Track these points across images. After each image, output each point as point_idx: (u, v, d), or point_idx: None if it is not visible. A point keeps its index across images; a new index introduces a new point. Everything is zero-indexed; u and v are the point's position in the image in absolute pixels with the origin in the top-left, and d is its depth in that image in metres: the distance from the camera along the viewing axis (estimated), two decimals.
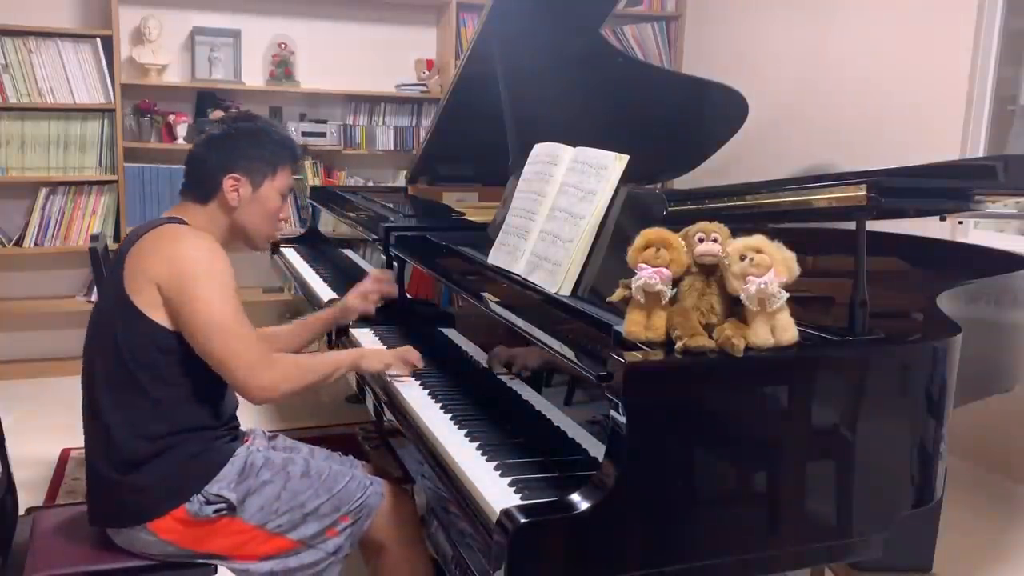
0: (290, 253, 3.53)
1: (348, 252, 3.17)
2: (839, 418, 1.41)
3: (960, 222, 3.24)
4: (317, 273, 3.11)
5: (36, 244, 4.05)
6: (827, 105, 3.79)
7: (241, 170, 1.79)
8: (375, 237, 2.51)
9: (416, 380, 1.91)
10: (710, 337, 1.31)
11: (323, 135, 4.39)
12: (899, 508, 1.47)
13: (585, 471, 1.32)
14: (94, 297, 3.89)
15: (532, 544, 1.20)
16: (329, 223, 3.53)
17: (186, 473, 1.67)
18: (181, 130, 4.19)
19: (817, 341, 1.42)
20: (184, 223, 1.75)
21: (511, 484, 1.39)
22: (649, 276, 1.32)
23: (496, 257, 1.93)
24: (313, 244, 3.65)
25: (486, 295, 1.82)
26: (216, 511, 1.66)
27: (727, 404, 1.34)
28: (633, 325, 1.34)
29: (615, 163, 1.70)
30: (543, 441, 1.55)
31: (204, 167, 1.80)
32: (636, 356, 1.29)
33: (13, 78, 3.91)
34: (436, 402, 1.79)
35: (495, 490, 1.37)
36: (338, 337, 2.39)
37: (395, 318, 2.38)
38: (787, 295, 1.31)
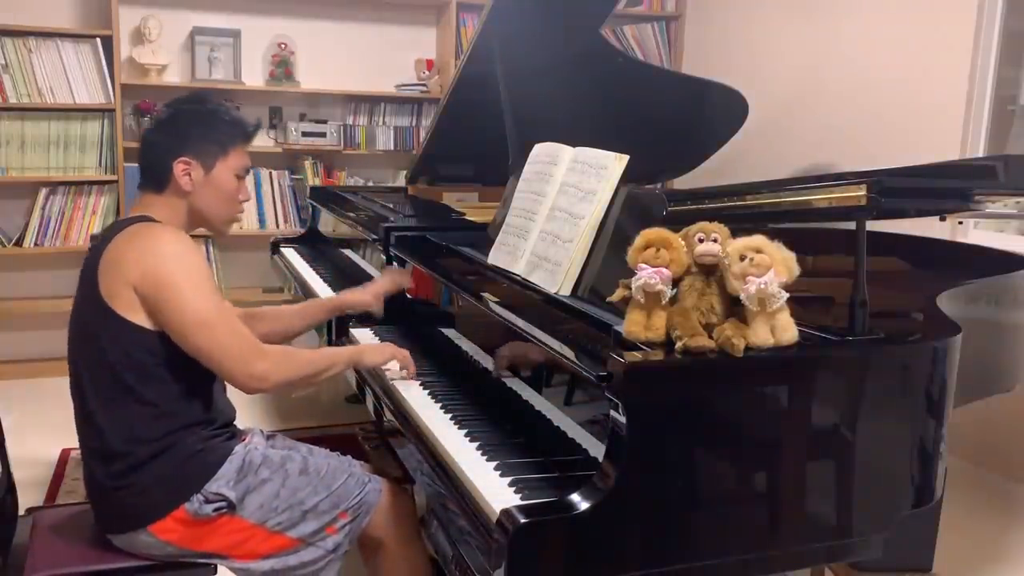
0: (290, 253, 3.53)
1: (348, 252, 3.17)
2: (839, 418, 1.41)
3: (960, 222, 3.24)
4: (317, 273, 3.11)
5: (36, 244, 4.06)
6: (827, 105, 3.79)
7: (191, 153, 1.74)
8: (375, 237, 2.51)
9: (416, 380, 1.91)
10: (710, 337, 1.31)
11: (323, 135, 4.39)
12: (899, 508, 1.47)
13: (585, 471, 1.32)
14: None
15: (532, 544, 1.20)
16: (329, 223, 3.53)
17: (184, 473, 1.66)
18: None
19: (817, 341, 1.42)
20: (150, 219, 1.72)
21: (511, 484, 1.39)
22: (649, 276, 1.32)
23: (496, 257, 1.93)
24: (313, 244, 3.65)
25: (486, 295, 1.82)
26: (216, 510, 1.66)
27: (727, 404, 1.34)
28: (633, 325, 1.34)
29: (615, 163, 1.70)
30: (543, 441, 1.55)
31: (153, 153, 1.76)
32: (636, 356, 1.29)
33: (13, 78, 3.91)
34: (436, 402, 1.79)
35: (495, 490, 1.37)
36: (338, 337, 2.40)
37: (395, 318, 2.38)
38: (787, 295, 1.31)
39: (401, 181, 4.19)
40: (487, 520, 1.30)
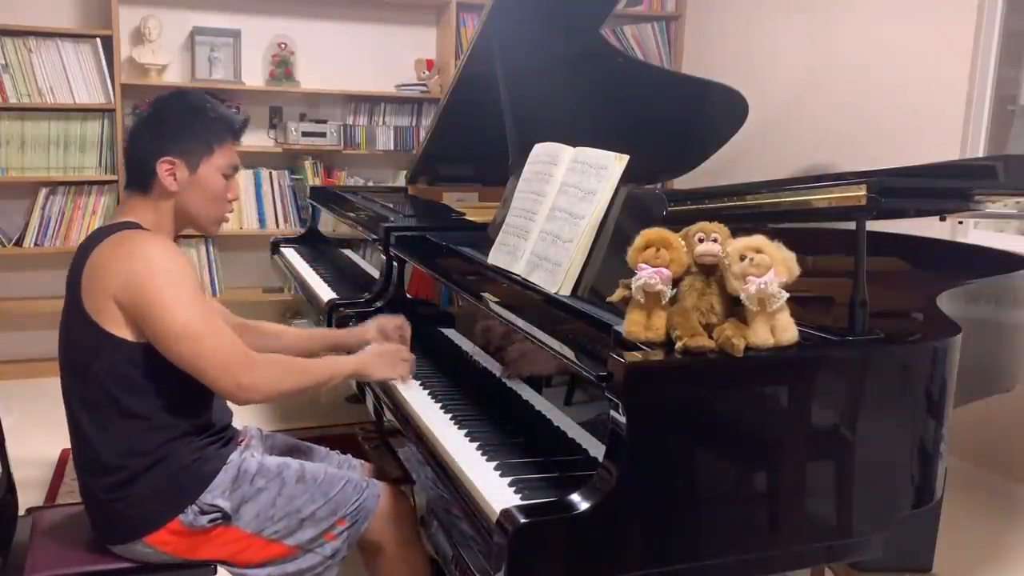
0: (290, 253, 3.53)
1: (348, 252, 3.17)
2: (839, 418, 1.41)
3: (960, 222, 3.24)
4: (317, 273, 3.11)
5: (36, 244, 4.06)
6: (827, 105, 3.80)
7: (174, 152, 1.68)
8: (375, 237, 2.51)
9: (416, 380, 1.91)
10: (710, 337, 1.31)
11: (323, 135, 4.39)
12: (899, 508, 1.47)
13: (585, 471, 1.32)
14: None
15: (532, 544, 1.20)
16: (329, 223, 3.53)
17: (178, 485, 1.63)
18: None
19: (817, 341, 1.41)
20: (134, 225, 1.66)
21: (511, 484, 1.39)
22: (649, 276, 1.32)
23: (496, 257, 1.93)
24: (313, 244, 3.65)
25: (486, 295, 1.82)
26: (211, 521, 1.64)
27: (727, 404, 1.34)
28: (633, 325, 1.34)
29: (615, 163, 1.70)
30: (543, 441, 1.55)
31: (136, 154, 1.71)
32: (636, 356, 1.29)
33: (13, 78, 3.91)
34: (436, 402, 1.79)
35: (495, 490, 1.37)
36: None
37: None
38: (787, 295, 1.31)
39: (401, 181, 4.20)
40: (487, 520, 1.30)
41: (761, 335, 1.31)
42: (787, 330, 1.33)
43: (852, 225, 1.47)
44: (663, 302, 1.34)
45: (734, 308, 1.34)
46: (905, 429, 1.47)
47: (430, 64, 4.63)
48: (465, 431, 1.62)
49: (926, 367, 1.48)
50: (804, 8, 3.95)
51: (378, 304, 2.42)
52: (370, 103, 4.60)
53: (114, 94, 4.02)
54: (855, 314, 1.44)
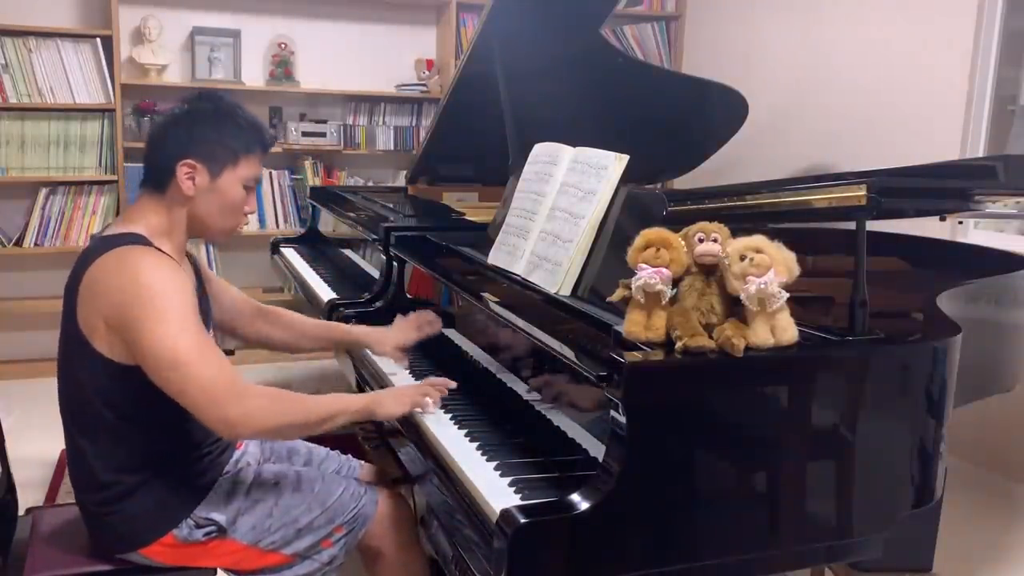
0: (290, 253, 3.53)
1: (348, 252, 3.17)
2: (839, 418, 1.41)
3: (960, 222, 3.24)
4: (317, 273, 3.10)
5: (36, 244, 4.06)
6: (827, 105, 3.80)
7: (198, 156, 1.60)
8: (375, 237, 2.51)
9: (416, 380, 1.91)
10: (710, 337, 1.31)
11: (323, 135, 4.39)
12: (899, 508, 1.47)
13: (585, 471, 1.32)
14: None
15: (532, 544, 1.20)
16: (329, 223, 3.53)
17: (171, 501, 1.61)
18: None
19: (817, 341, 1.41)
20: (137, 237, 1.57)
21: (511, 484, 1.39)
22: (649, 276, 1.32)
23: (496, 257, 1.93)
24: (313, 244, 3.65)
25: (486, 295, 1.82)
26: (206, 534, 1.62)
27: (727, 404, 1.34)
28: (633, 325, 1.34)
29: (615, 163, 1.70)
30: (543, 441, 1.55)
31: (158, 151, 1.63)
32: (636, 356, 1.29)
33: (13, 78, 3.91)
34: None
35: (495, 490, 1.37)
36: None
37: (395, 318, 2.38)
38: (787, 295, 1.31)
39: (401, 181, 4.20)
40: (487, 520, 1.30)
41: (761, 335, 1.31)
42: (787, 330, 1.33)
43: (852, 225, 1.47)
44: (663, 302, 1.34)
45: (734, 308, 1.34)
46: (905, 429, 1.47)
47: (430, 64, 4.63)
48: (465, 431, 1.62)
49: (926, 367, 1.48)
50: (804, 8, 3.95)
51: (378, 304, 2.42)
52: (370, 103, 4.60)
53: (114, 94, 4.02)
54: (855, 314, 1.44)
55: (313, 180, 4.46)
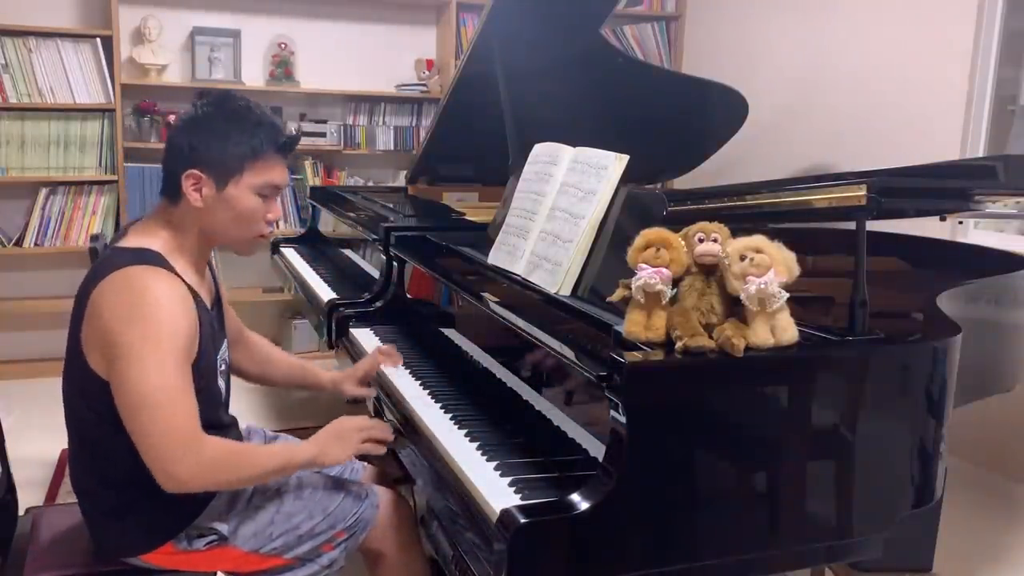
0: (290, 253, 3.53)
1: (348, 252, 3.17)
2: (839, 418, 1.41)
3: (960, 222, 3.24)
4: (317, 273, 3.11)
5: (36, 244, 4.06)
6: (827, 105, 3.80)
7: (201, 165, 1.52)
8: (375, 237, 2.51)
9: (416, 380, 1.91)
10: (710, 337, 1.31)
11: (323, 135, 4.39)
12: (899, 508, 1.47)
13: (585, 471, 1.32)
14: None
15: (532, 544, 1.20)
16: (329, 223, 3.53)
17: (172, 513, 1.58)
18: None
19: (817, 341, 1.41)
20: (148, 253, 1.51)
21: (511, 484, 1.39)
22: (649, 276, 1.32)
23: (496, 257, 1.93)
24: (313, 244, 3.65)
25: (486, 295, 1.82)
26: (208, 543, 1.61)
27: (727, 404, 1.34)
28: (633, 325, 1.34)
29: (615, 163, 1.70)
30: (543, 441, 1.55)
31: (168, 159, 1.56)
32: (636, 356, 1.29)
33: (13, 78, 3.91)
34: (436, 402, 1.79)
35: (495, 490, 1.37)
36: (338, 338, 2.40)
37: (395, 318, 2.39)
38: (787, 295, 1.31)
39: (401, 181, 4.20)
40: (487, 520, 1.30)
41: (761, 335, 1.31)
42: (787, 330, 1.33)
43: (852, 225, 1.47)
44: (663, 302, 1.34)
45: (734, 308, 1.34)
46: (905, 429, 1.47)
47: (430, 64, 4.63)
48: (465, 431, 1.62)
49: (926, 367, 1.48)
50: (804, 8, 3.95)
51: (378, 304, 2.42)
52: (370, 103, 4.60)
53: (114, 94, 4.02)
54: (855, 314, 1.44)
55: (313, 180, 4.46)
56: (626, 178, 1.69)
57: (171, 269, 1.52)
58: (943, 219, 2.80)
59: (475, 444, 1.56)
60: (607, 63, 2.91)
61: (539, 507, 1.24)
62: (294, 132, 1.62)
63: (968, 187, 2.09)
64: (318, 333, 3.73)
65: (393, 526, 1.76)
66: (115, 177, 4.09)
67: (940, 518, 1.63)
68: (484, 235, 2.07)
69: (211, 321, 1.61)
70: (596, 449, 1.41)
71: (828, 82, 3.80)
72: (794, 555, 1.42)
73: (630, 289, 1.34)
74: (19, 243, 4.05)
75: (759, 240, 1.31)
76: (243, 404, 1.75)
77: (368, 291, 2.49)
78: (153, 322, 1.43)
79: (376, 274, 2.56)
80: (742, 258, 1.30)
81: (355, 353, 2.25)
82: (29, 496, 2.45)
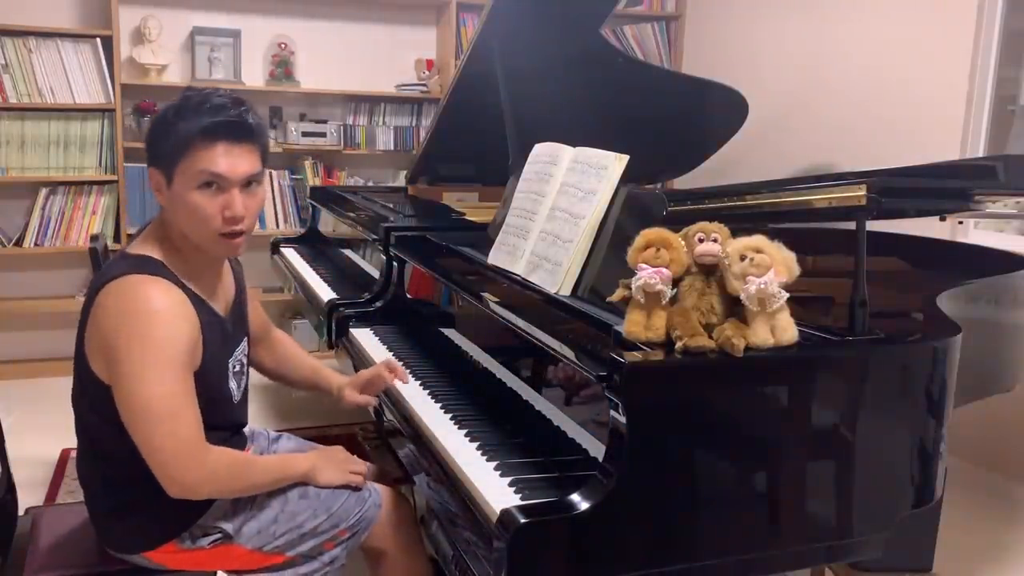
0: (290, 253, 3.53)
1: (348, 252, 3.17)
2: (839, 418, 1.41)
3: (960, 222, 3.24)
4: (317, 273, 3.11)
5: (36, 244, 4.06)
6: (827, 105, 3.80)
7: (154, 162, 1.50)
8: (375, 237, 2.51)
9: (416, 380, 1.91)
10: (710, 337, 1.31)
11: (323, 135, 4.39)
12: (899, 508, 1.47)
13: (585, 471, 1.32)
14: None
15: (532, 544, 1.20)
16: (329, 223, 3.53)
17: (175, 513, 1.57)
18: None
19: (817, 341, 1.41)
20: (147, 260, 1.51)
21: (511, 484, 1.39)
22: (649, 276, 1.32)
23: (496, 257, 1.93)
24: (313, 244, 3.65)
25: (486, 295, 1.82)
26: (212, 542, 1.62)
27: (727, 404, 1.34)
28: (633, 325, 1.34)
29: (615, 163, 1.70)
30: (543, 441, 1.55)
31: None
32: (636, 356, 1.29)
33: (13, 78, 3.91)
34: (436, 402, 1.79)
35: (495, 490, 1.37)
36: (338, 337, 2.40)
37: (395, 318, 2.39)
38: (787, 295, 1.31)
39: (401, 181, 4.20)
40: (487, 520, 1.30)
41: (761, 335, 1.31)
42: (787, 330, 1.33)
43: (852, 225, 1.47)
44: (663, 302, 1.34)
45: (734, 308, 1.34)
46: (905, 429, 1.47)
47: (430, 64, 4.63)
48: (465, 431, 1.62)
49: (926, 367, 1.48)
50: (804, 8, 3.95)
51: (378, 304, 2.42)
52: (370, 103, 4.60)
53: (114, 94, 4.02)
54: (855, 314, 1.44)
55: (313, 180, 4.46)
56: (626, 178, 1.69)
57: (172, 275, 1.52)
58: (943, 219, 2.80)
59: (475, 444, 1.56)
60: (607, 63, 2.91)
61: (539, 507, 1.24)
62: (244, 114, 1.51)
63: (968, 187, 2.09)
64: (318, 333, 3.74)
65: (394, 525, 1.77)
66: (115, 177, 4.09)
67: (940, 518, 1.63)
68: (484, 235, 2.07)
69: (219, 325, 1.61)
70: (596, 449, 1.41)
71: (828, 82, 3.80)
72: (794, 555, 1.42)
73: (630, 289, 1.34)
74: (19, 243, 4.05)
75: (759, 240, 1.31)
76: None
77: (368, 291, 2.49)
78: (150, 332, 1.43)
79: (376, 274, 2.56)
80: (742, 258, 1.30)
81: (355, 353, 2.25)
82: (29, 496, 2.45)
